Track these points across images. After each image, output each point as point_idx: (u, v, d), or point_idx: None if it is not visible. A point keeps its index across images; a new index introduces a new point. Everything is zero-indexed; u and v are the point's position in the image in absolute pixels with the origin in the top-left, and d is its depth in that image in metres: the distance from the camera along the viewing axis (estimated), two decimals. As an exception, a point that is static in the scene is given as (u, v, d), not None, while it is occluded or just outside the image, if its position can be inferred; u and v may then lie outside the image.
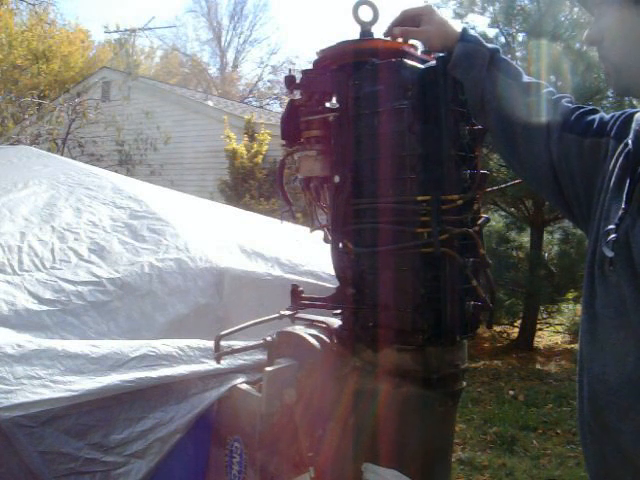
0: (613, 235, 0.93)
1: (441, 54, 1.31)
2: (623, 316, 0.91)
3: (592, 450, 1.01)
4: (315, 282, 1.99)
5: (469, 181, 1.32)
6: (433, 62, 1.33)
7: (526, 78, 1.21)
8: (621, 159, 1.00)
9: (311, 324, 1.53)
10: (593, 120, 1.10)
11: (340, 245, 1.40)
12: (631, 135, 1.00)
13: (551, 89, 1.20)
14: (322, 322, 1.52)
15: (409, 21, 1.32)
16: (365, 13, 1.39)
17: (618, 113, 1.09)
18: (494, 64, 1.21)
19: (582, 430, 1.05)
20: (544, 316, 7.07)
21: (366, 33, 1.39)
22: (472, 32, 1.26)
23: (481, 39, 1.24)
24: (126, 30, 14.50)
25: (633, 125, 1.01)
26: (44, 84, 13.66)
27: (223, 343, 1.49)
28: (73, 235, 2.05)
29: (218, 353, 1.47)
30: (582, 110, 1.14)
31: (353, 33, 1.41)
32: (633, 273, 0.88)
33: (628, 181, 0.96)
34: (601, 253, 0.96)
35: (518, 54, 6.60)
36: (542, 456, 3.95)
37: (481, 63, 1.20)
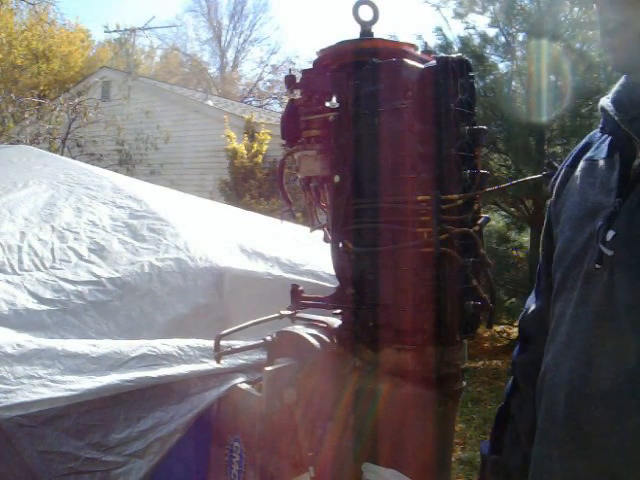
0: (612, 232, 0.84)
1: (441, 54, 1.31)
2: (613, 321, 0.82)
3: (561, 466, 0.90)
4: (315, 282, 1.99)
5: (469, 181, 1.32)
6: (433, 62, 1.33)
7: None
8: (603, 157, 0.95)
9: (311, 324, 1.53)
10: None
11: (340, 245, 1.40)
12: (602, 125, 0.96)
13: None
14: (322, 322, 1.52)
15: None
16: (365, 13, 1.39)
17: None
18: None
19: (549, 445, 0.93)
20: (544, 316, 7.06)
21: (366, 33, 1.39)
22: None
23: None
24: (126, 30, 14.54)
25: (605, 109, 0.94)
26: (44, 84, 13.66)
27: (223, 343, 1.49)
28: (73, 235, 2.05)
29: (218, 353, 1.47)
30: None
31: (353, 33, 1.41)
32: (637, 273, 0.80)
33: (617, 175, 0.89)
34: (593, 252, 0.87)
35: (518, 54, 6.60)
36: (542, 456, 3.94)
37: None
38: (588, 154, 0.99)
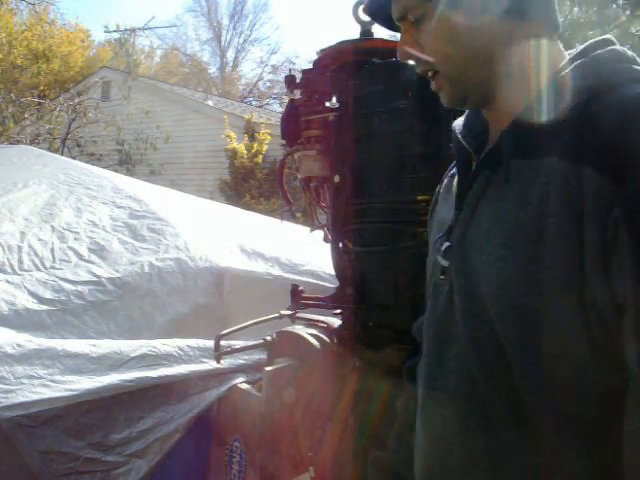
0: (447, 243, 0.89)
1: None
2: (453, 326, 0.86)
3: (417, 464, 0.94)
4: (315, 282, 1.99)
5: (469, 181, 1.32)
6: (433, 62, 1.33)
7: None
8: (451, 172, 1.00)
9: (311, 324, 1.53)
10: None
11: (340, 245, 1.40)
12: (452, 144, 0.99)
13: None
14: (322, 322, 1.52)
15: None
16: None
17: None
18: None
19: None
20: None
21: (366, 33, 1.39)
22: None
23: None
24: (126, 30, 14.54)
25: (453, 128, 0.98)
26: (44, 84, 13.64)
27: (223, 343, 1.49)
28: (73, 235, 2.05)
29: (218, 353, 1.47)
30: None
31: (353, 33, 1.41)
32: (468, 280, 0.84)
33: (458, 187, 0.93)
34: (438, 264, 0.91)
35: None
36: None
37: None
38: (452, 170, 1.02)
